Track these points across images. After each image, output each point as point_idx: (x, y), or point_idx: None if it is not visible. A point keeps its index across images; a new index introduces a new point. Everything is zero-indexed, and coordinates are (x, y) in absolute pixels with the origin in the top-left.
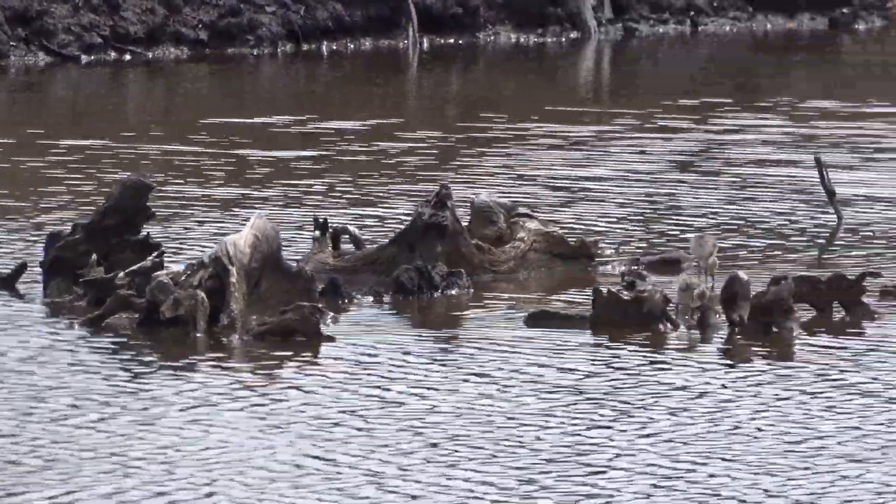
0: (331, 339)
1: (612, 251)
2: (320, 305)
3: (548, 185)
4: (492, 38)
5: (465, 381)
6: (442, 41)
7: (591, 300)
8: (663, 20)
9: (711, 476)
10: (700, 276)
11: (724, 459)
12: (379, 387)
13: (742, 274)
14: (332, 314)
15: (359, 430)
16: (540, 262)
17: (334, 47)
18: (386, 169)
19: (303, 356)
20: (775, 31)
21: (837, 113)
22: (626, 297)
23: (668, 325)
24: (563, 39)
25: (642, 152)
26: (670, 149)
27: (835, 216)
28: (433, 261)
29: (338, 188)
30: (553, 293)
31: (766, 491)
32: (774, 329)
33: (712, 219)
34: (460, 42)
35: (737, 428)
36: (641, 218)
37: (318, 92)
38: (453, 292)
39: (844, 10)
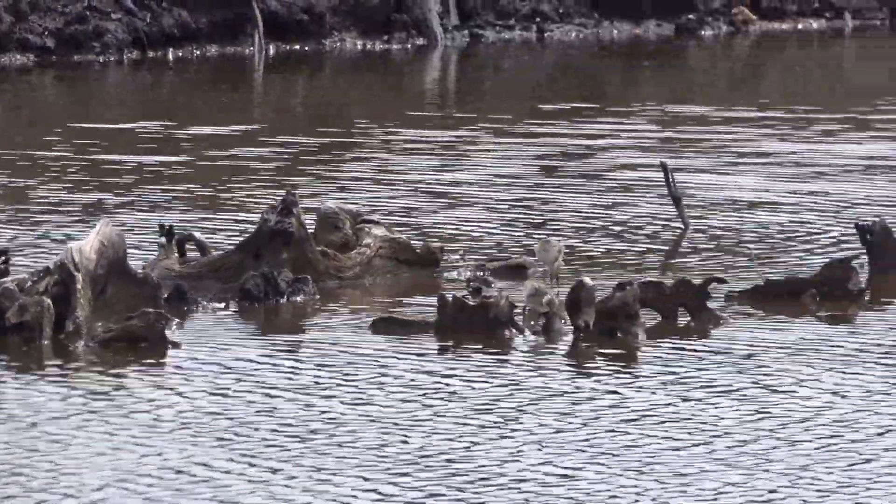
0: (176, 345)
1: (458, 257)
2: (165, 312)
3: (406, 189)
4: (338, 44)
5: (318, 386)
6: (288, 47)
7: (437, 306)
8: (509, 26)
9: (591, 483)
10: (546, 281)
11: (601, 465)
12: (228, 394)
13: (587, 279)
14: (177, 320)
15: (223, 438)
16: (386, 269)
17: (180, 54)
18: (240, 175)
19: (148, 363)
20: (621, 37)
21: (690, 117)
22: (471, 303)
23: (514, 330)
24: (409, 46)
25: (501, 157)
26: (527, 153)
27: (681, 221)
28: (279, 267)
29: (190, 194)
30: (399, 299)
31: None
32: (619, 334)
33: (564, 223)
34: (306, 48)
35: (609, 431)
36: (499, 223)
37: (168, 98)
38: (299, 299)
39: (690, 17)
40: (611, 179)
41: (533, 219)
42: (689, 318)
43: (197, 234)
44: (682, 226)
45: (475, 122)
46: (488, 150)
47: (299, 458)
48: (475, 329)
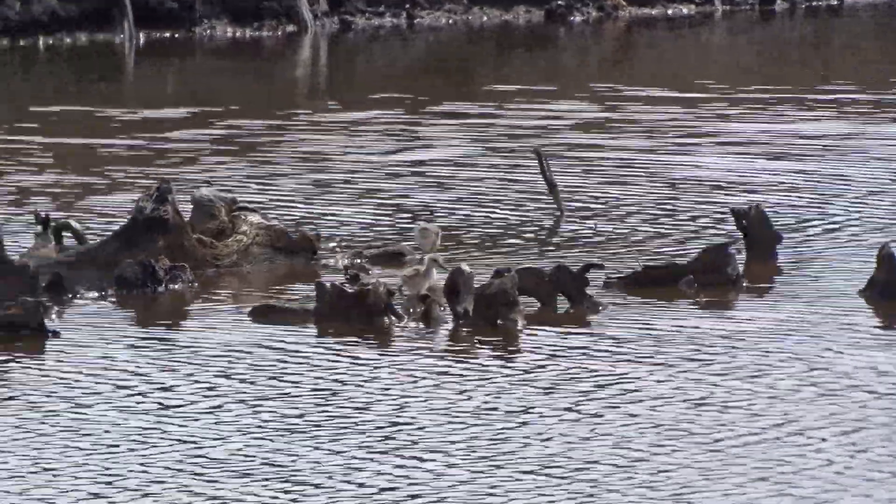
0: (56, 334)
1: (335, 244)
2: (44, 300)
3: (301, 177)
4: (208, 32)
5: (198, 375)
6: (158, 35)
7: (315, 294)
8: (379, 13)
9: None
10: (424, 267)
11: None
12: (109, 383)
13: (465, 266)
14: (56, 309)
15: (101, 427)
16: (263, 256)
17: (50, 42)
18: (136, 162)
19: (26, 351)
20: (491, 23)
21: (622, 98)
22: (349, 291)
23: (393, 318)
24: (280, 33)
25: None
26: (467, 136)
27: (556, 208)
28: (155, 255)
29: (64, 182)
30: (276, 287)
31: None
32: (499, 321)
33: (442, 209)
34: (176, 36)
35: (506, 424)
36: (374, 211)
37: (38, 83)
38: (177, 287)
39: (560, 2)
40: (486, 165)
41: (410, 206)
42: (568, 305)
43: (73, 223)
44: (557, 212)
45: (373, 105)
46: (369, 137)
47: (186, 447)
48: (353, 316)
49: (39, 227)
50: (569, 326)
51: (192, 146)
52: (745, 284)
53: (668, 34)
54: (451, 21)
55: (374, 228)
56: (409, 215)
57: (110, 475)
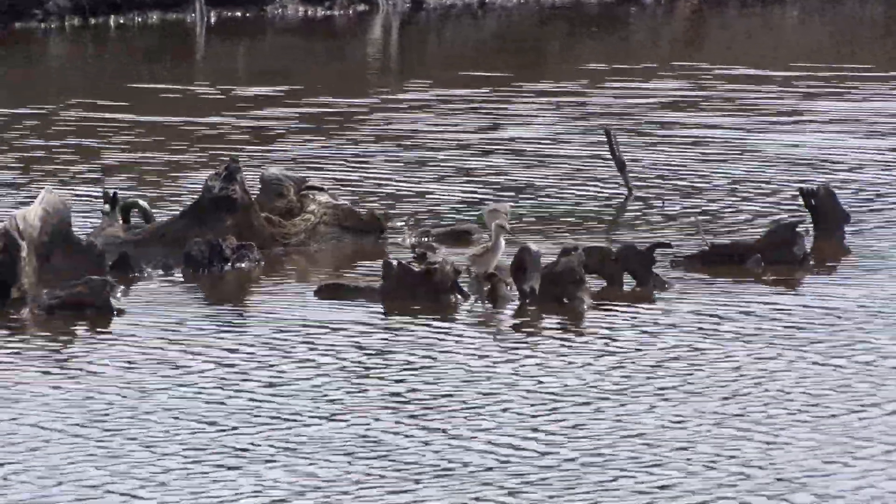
0: (122, 312)
1: (403, 223)
2: (110, 278)
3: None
4: (279, 11)
5: (263, 354)
6: (229, 14)
7: (382, 272)
8: None
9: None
10: (492, 240)
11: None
12: (176, 360)
13: (532, 245)
14: (122, 287)
15: (167, 404)
16: (331, 235)
17: (122, 21)
18: (184, 142)
19: (93, 329)
20: (563, 2)
21: (629, 81)
22: (416, 269)
23: (460, 296)
24: (351, 12)
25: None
26: (563, 114)
27: (625, 187)
28: (223, 234)
29: (136, 161)
30: (344, 265)
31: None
32: (566, 300)
33: (508, 190)
34: (248, 15)
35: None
36: (440, 189)
37: (116, 66)
38: (244, 265)
39: None
40: (549, 145)
41: (475, 185)
42: (634, 284)
43: (141, 202)
44: (626, 191)
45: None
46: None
47: (266, 427)
48: (420, 295)
49: (107, 206)
50: (635, 305)
51: (270, 125)
52: (811, 263)
53: (741, 14)
54: (522, 0)
55: (453, 206)
56: (490, 193)
57: (195, 453)
